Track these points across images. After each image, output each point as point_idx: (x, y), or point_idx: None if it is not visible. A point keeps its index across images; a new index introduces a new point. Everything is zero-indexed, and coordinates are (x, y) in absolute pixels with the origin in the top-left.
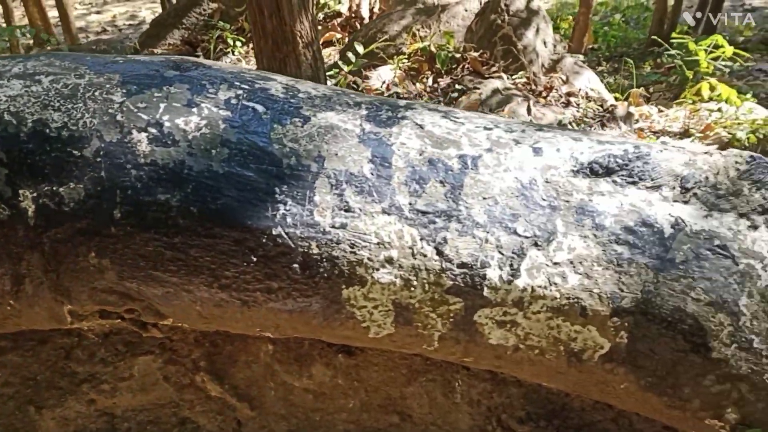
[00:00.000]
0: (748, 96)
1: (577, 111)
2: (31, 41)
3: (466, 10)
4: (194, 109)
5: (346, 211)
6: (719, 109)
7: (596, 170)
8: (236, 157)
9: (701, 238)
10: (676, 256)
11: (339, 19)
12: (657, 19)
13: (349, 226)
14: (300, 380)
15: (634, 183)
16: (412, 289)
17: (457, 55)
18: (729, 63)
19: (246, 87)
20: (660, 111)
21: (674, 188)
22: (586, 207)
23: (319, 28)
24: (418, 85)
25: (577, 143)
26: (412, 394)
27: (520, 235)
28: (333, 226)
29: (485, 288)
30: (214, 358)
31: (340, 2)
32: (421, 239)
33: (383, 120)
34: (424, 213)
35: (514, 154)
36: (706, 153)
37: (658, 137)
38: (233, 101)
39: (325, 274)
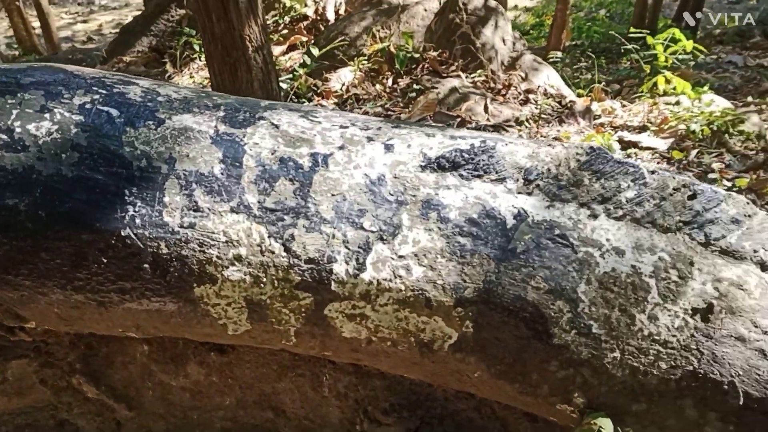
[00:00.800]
0: (705, 89)
1: (536, 108)
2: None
3: (425, 10)
4: (47, 115)
5: (195, 210)
6: (677, 102)
7: (443, 165)
8: (86, 161)
9: (542, 228)
10: (518, 246)
11: (305, 23)
12: (638, 14)
13: (198, 225)
14: (176, 379)
15: (479, 176)
16: (262, 285)
17: (417, 55)
18: (698, 57)
19: (104, 92)
20: (623, 106)
21: (518, 180)
22: (432, 201)
23: (286, 31)
24: (377, 86)
25: (429, 139)
26: (284, 390)
27: (366, 230)
28: (182, 226)
29: (333, 282)
30: (91, 360)
31: (305, 5)
32: (269, 236)
33: (239, 121)
34: (272, 211)
35: (366, 151)
36: (549, 145)
37: (617, 131)
38: (88, 106)
39: (176, 273)
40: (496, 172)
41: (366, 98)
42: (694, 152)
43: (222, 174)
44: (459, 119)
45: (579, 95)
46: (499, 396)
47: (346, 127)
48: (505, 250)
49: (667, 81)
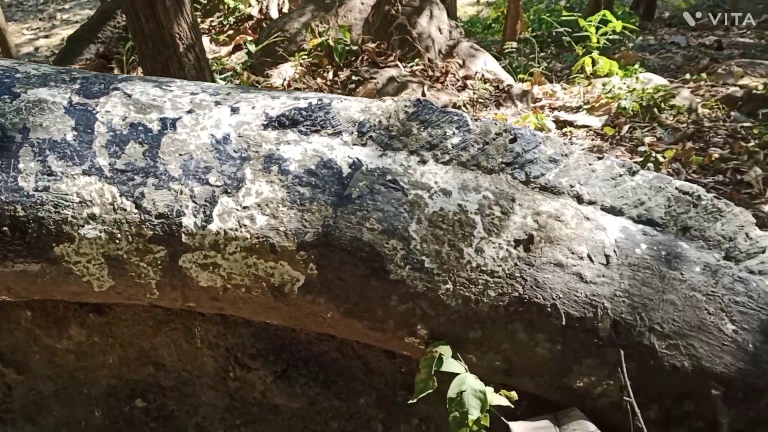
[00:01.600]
0: (636, 67)
1: (473, 93)
2: None
3: (362, 3)
4: None
5: (48, 175)
6: (611, 82)
7: (284, 122)
8: None
9: (375, 175)
10: (353, 193)
11: (250, 22)
12: (593, 2)
13: (52, 188)
14: (60, 342)
15: (317, 131)
16: (118, 241)
17: (355, 48)
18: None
19: None
20: (564, 89)
21: (352, 133)
22: (273, 155)
23: (231, 32)
24: (318, 79)
25: (273, 101)
26: (161, 344)
27: (212, 185)
28: (36, 190)
29: (183, 235)
30: None
31: (250, 5)
32: (120, 195)
33: (93, 92)
34: (123, 171)
35: (213, 114)
36: (380, 101)
37: (554, 112)
38: None
39: (35, 235)
40: (332, 127)
41: (306, 88)
42: (626, 128)
43: (74, 140)
44: None
45: (522, 80)
46: (354, 334)
47: (197, 94)
48: (341, 196)
49: (594, 62)
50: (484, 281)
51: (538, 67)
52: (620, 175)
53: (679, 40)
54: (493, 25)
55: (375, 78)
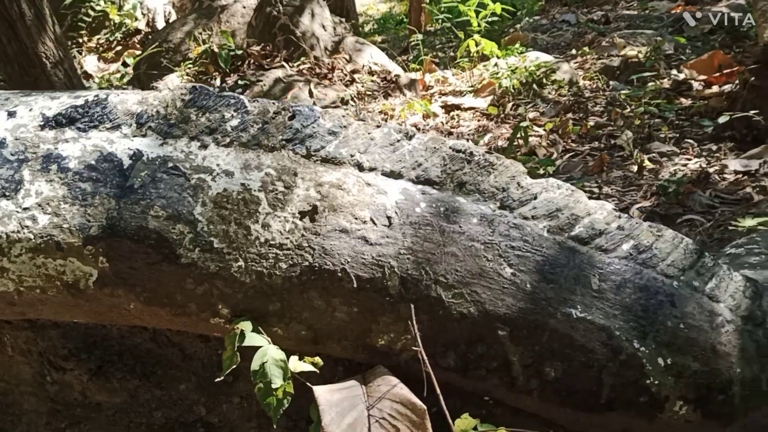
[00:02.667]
0: (517, 47)
1: (362, 86)
2: None
3: (244, 7)
4: None
5: None
6: (496, 64)
7: (61, 121)
8: None
9: (157, 164)
10: (135, 183)
11: (138, 36)
12: None
13: None
14: None
15: (95, 126)
16: None
17: (240, 52)
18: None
19: None
20: (455, 74)
21: (131, 125)
22: (52, 155)
23: (119, 48)
24: None
25: (52, 101)
26: None
27: None
28: None
29: None
30: None
31: (136, 19)
32: None
33: None
34: None
35: None
36: (156, 90)
37: (442, 98)
38: None
39: None
40: (110, 121)
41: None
42: (509, 105)
43: None
44: None
45: (414, 70)
46: (161, 322)
47: None
48: (123, 188)
49: (477, 44)
50: (274, 255)
51: (427, 56)
52: (398, 141)
53: (569, 17)
54: (405, 19)
55: (261, 80)
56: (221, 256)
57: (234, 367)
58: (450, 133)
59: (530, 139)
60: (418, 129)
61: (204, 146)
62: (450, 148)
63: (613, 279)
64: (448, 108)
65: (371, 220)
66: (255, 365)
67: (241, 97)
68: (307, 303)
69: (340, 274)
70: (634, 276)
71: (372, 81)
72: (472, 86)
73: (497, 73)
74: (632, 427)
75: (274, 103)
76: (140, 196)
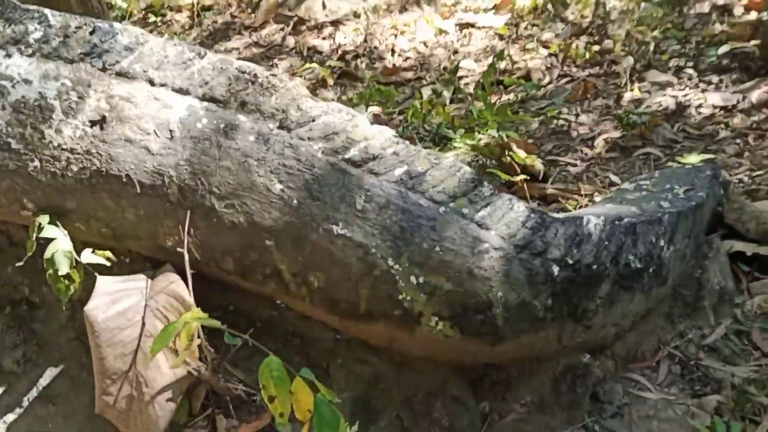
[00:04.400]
0: None
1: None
2: None
3: None
4: None
5: None
6: None
7: None
8: None
9: None
10: None
11: None
12: None
13: None
14: None
15: None
16: None
17: None
18: None
19: None
20: None
21: None
22: None
23: None
24: None
25: None
26: None
27: None
28: None
29: None
30: None
31: None
32: None
33: None
34: None
35: None
36: None
37: (458, 14)
38: None
39: None
40: None
41: (219, 9)
42: (523, 25)
43: None
44: (297, 18)
45: None
46: None
47: None
48: None
49: None
50: (66, 158)
51: None
52: (190, 59)
53: None
54: None
55: None
56: (19, 156)
57: (30, 254)
58: (456, 52)
59: (532, 62)
60: (426, 46)
61: (8, 56)
62: (236, 68)
63: (377, 200)
64: (462, 25)
65: (155, 132)
66: (48, 254)
67: (46, 10)
68: (99, 203)
69: (124, 179)
70: (398, 199)
71: None
72: (494, 3)
73: None
74: (396, 337)
75: (76, 18)
76: None
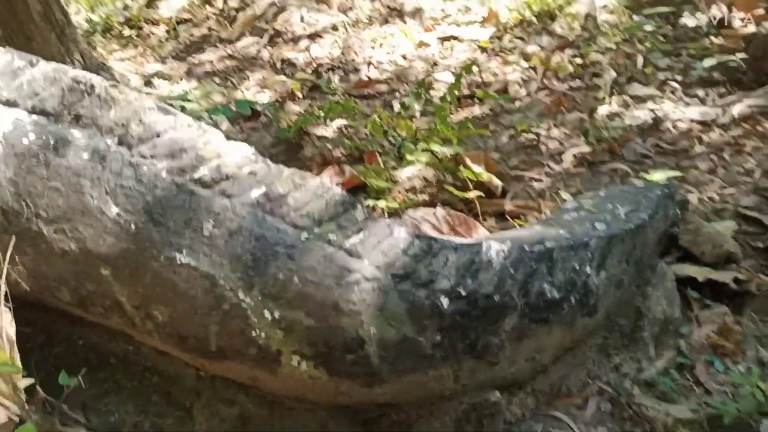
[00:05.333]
0: None
1: (361, 13)
2: None
3: None
4: None
5: None
6: None
7: None
8: None
9: None
10: None
11: None
12: None
13: None
14: None
15: None
16: None
17: None
18: None
19: None
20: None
21: None
22: None
23: None
24: (208, 8)
25: None
26: None
27: None
28: None
29: None
30: None
31: None
32: None
33: None
34: None
35: None
36: None
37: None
38: None
39: None
40: None
41: (196, 22)
42: (507, 38)
43: None
44: (273, 31)
45: None
46: None
47: None
48: None
49: None
50: None
51: None
52: (20, 68)
53: None
54: None
55: (255, 2)
56: None
57: None
58: (435, 64)
59: (512, 75)
60: (405, 58)
61: None
62: (71, 78)
63: (228, 225)
64: (445, 38)
65: None
66: None
67: None
68: None
69: None
70: (253, 224)
71: (372, 9)
72: (483, 16)
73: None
74: (257, 376)
75: None
76: None
